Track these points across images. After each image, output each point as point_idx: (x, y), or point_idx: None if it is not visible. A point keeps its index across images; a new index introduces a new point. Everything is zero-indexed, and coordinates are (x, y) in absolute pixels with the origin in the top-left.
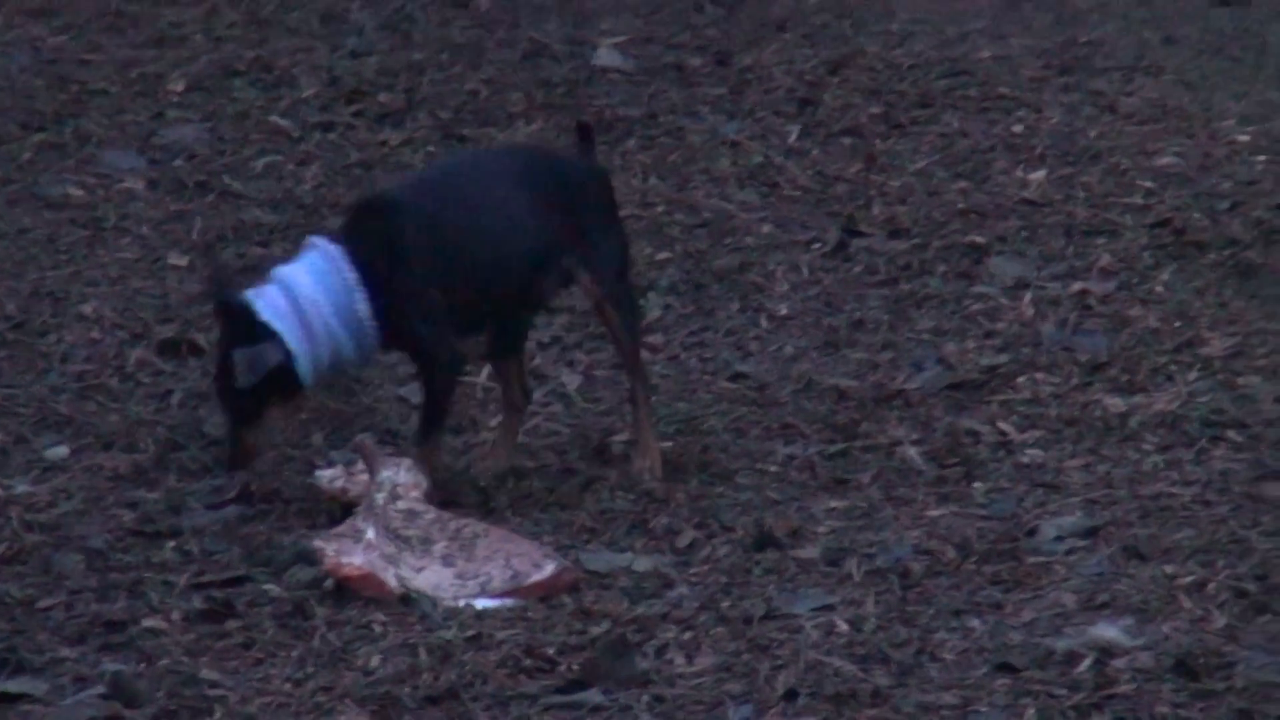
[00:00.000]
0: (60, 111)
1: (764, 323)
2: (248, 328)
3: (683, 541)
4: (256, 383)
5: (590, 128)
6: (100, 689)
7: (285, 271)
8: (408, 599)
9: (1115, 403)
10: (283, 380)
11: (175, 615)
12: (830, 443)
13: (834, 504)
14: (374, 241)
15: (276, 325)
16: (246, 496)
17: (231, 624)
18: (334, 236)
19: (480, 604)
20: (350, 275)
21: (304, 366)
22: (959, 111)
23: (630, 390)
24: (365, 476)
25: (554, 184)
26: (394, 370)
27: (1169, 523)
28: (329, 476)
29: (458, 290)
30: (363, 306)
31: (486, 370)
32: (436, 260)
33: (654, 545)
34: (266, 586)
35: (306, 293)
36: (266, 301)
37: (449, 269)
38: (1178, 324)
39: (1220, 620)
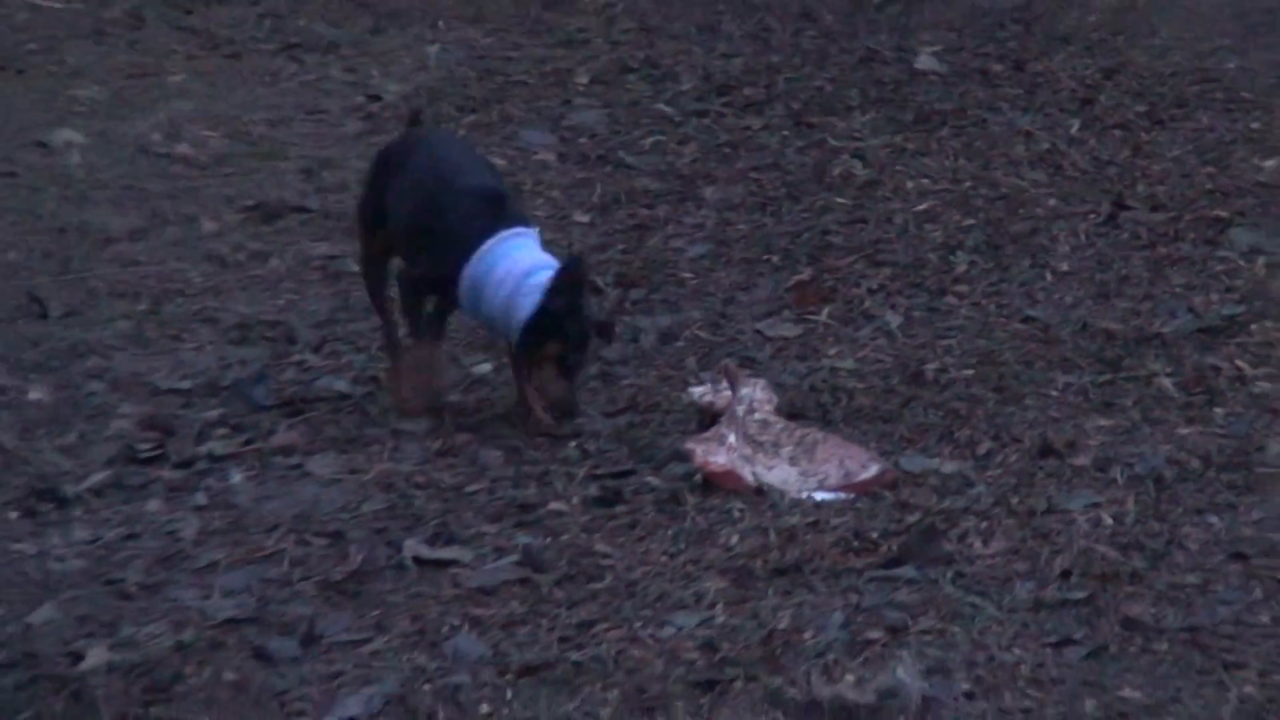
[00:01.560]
0: (488, 98)
1: (1049, 277)
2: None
3: (981, 450)
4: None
5: (419, 114)
6: (515, 557)
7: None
8: (761, 491)
9: None
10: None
11: (575, 500)
12: (1100, 374)
13: (1102, 422)
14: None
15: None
16: (633, 406)
17: (620, 508)
18: (524, 223)
19: (818, 496)
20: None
21: None
22: (1208, 111)
23: None
24: (728, 393)
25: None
26: (753, 308)
27: None
28: (699, 392)
29: None
30: None
31: (827, 310)
32: None
33: (958, 452)
34: (648, 479)
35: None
36: None
37: None
38: None
39: None
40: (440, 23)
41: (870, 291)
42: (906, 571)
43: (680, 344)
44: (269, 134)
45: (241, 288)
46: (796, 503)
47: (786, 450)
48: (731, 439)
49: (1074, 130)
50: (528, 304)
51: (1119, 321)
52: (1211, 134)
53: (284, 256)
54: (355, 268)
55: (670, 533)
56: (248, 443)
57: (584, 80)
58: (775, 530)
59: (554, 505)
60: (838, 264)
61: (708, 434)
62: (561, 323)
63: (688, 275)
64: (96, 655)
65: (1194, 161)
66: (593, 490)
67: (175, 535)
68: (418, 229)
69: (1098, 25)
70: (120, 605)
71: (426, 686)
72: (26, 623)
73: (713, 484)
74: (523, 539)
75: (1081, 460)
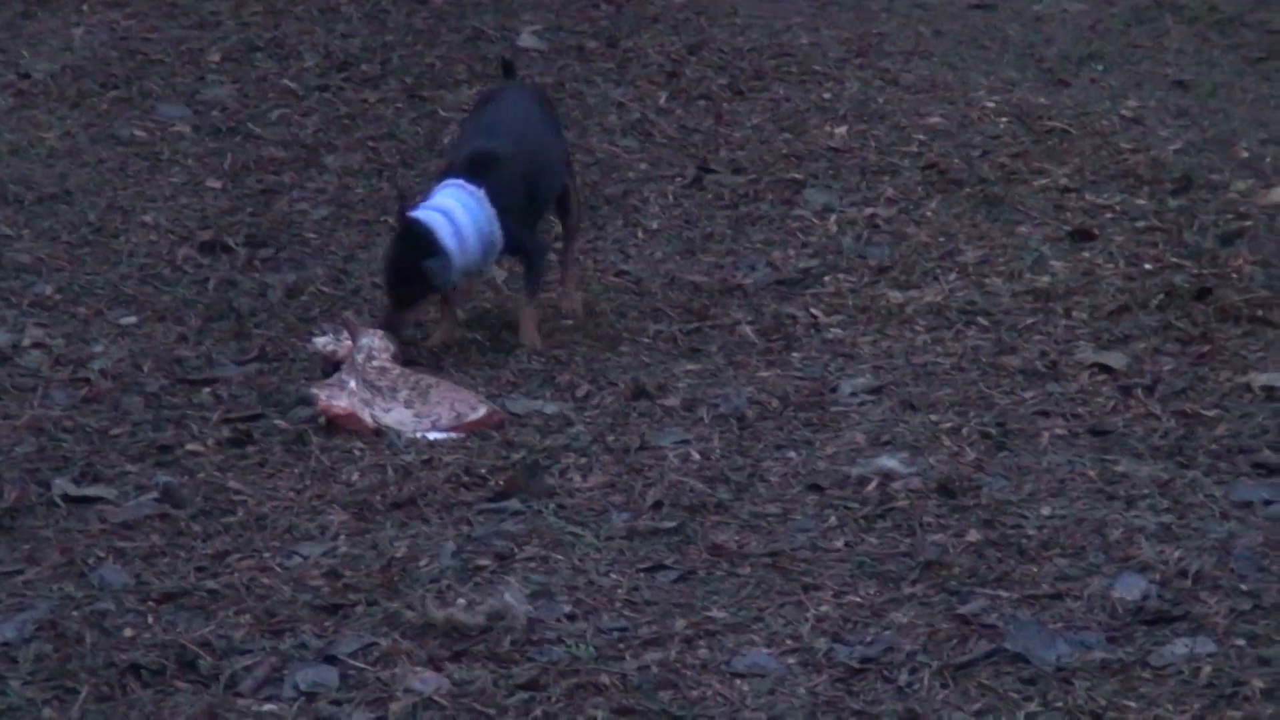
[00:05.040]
0: (129, 76)
1: (640, 235)
2: (428, 244)
3: (580, 393)
4: (416, 282)
5: (510, 62)
6: (155, 495)
7: (446, 205)
8: (379, 432)
9: (895, 296)
10: (436, 282)
11: (210, 441)
12: (688, 322)
13: (690, 367)
14: (498, 183)
15: (449, 245)
16: (262, 355)
17: (250, 449)
18: (469, 179)
19: (432, 436)
20: (491, 209)
21: (455, 275)
22: (784, 83)
23: (564, 253)
24: (349, 342)
25: (552, 114)
26: (371, 265)
27: (934, 384)
28: (323, 342)
29: (536, 207)
30: (498, 232)
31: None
32: (528, 191)
33: (559, 395)
34: (277, 422)
35: (464, 221)
36: (438, 226)
37: (532, 196)
38: (942, 239)
39: (971, 455)
40: (85, 7)
41: None
42: (513, 504)
43: (305, 298)
44: None
45: None
46: (412, 442)
47: (402, 394)
48: (352, 384)
49: (662, 101)
50: None
51: (704, 275)
52: (787, 104)
53: None
54: (7, 230)
55: (297, 471)
56: None
57: (216, 58)
58: (393, 468)
59: (190, 446)
60: None
61: (330, 380)
62: None
63: (312, 236)
64: None
65: (771, 129)
66: (226, 432)
67: None
68: None
69: (682, 6)
70: None
71: (75, 613)
72: None
73: (335, 426)
74: (162, 478)
75: (671, 401)
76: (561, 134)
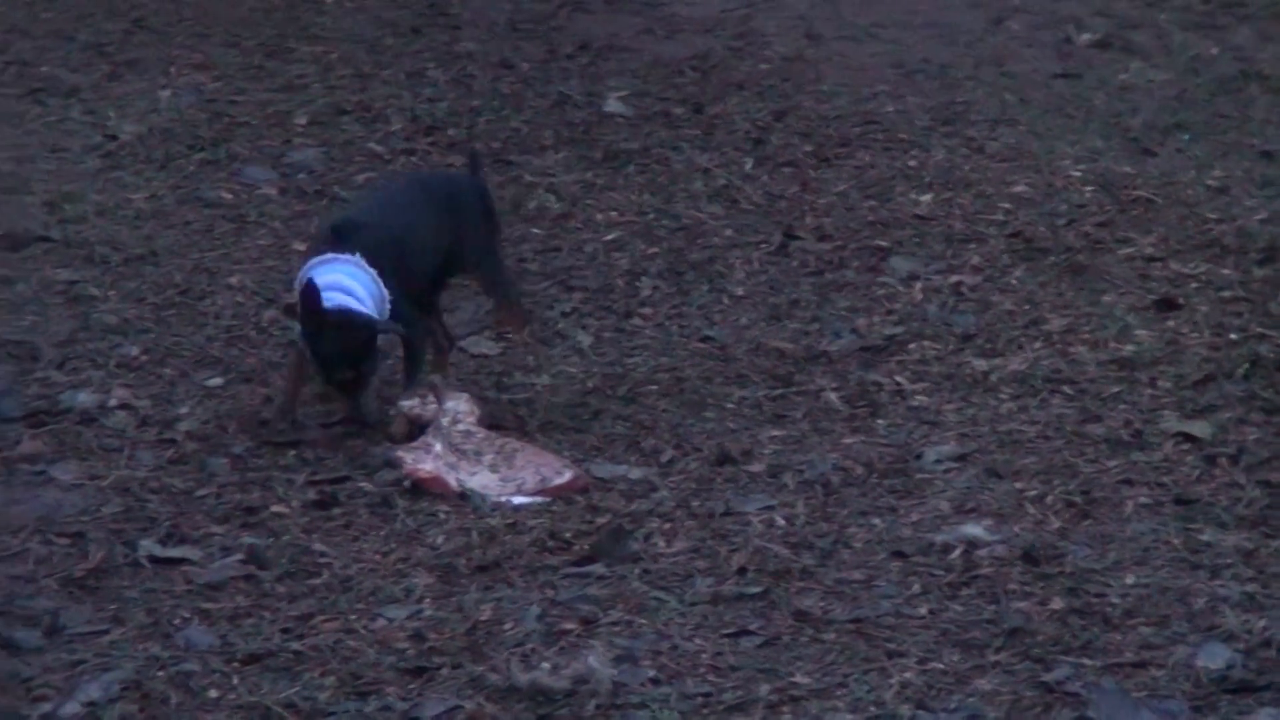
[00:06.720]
0: (216, 137)
1: (725, 300)
2: (356, 321)
3: (665, 458)
4: (363, 360)
5: (478, 155)
6: (240, 556)
7: (335, 281)
8: (464, 495)
9: (980, 364)
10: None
11: (295, 503)
12: (773, 388)
13: (775, 433)
14: (368, 246)
15: (368, 312)
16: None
17: (336, 511)
18: (338, 249)
19: (516, 500)
20: (372, 270)
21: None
22: (869, 150)
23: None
24: (435, 406)
25: (449, 201)
26: (457, 328)
27: (1018, 451)
28: (409, 405)
29: (410, 283)
30: (385, 291)
31: (525, 330)
32: (400, 264)
33: (644, 460)
34: (362, 484)
35: (358, 289)
36: (347, 302)
37: (406, 269)
38: (1027, 307)
39: (1055, 523)
40: (172, 69)
41: (564, 314)
42: (597, 568)
43: (391, 361)
44: (15, 170)
45: None
46: (497, 506)
47: (488, 458)
48: (438, 448)
49: (748, 167)
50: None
51: (789, 341)
52: (873, 171)
53: (29, 282)
54: (94, 291)
55: (382, 533)
56: None
57: (303, 121)
58: (478, 531)
59: (276, 508)
60: (534, 288)
61: (416, 443)
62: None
63: None
64: None
65: (857, 196)
66: (311, 494)
67: None
68: None
69: (769, 73)
70: None
71: (160, 673)
72: None
73: (420, 489)
74: (248, 539)
75: (756, 467)
76: (454, 221)
